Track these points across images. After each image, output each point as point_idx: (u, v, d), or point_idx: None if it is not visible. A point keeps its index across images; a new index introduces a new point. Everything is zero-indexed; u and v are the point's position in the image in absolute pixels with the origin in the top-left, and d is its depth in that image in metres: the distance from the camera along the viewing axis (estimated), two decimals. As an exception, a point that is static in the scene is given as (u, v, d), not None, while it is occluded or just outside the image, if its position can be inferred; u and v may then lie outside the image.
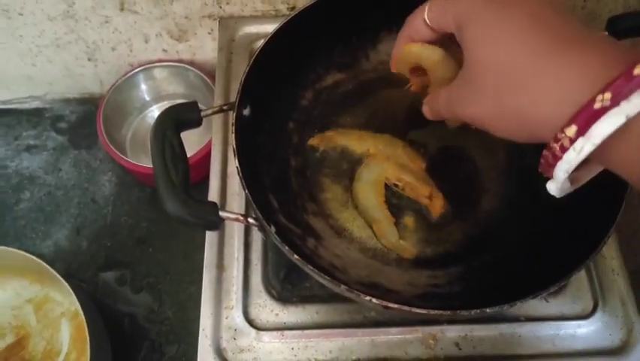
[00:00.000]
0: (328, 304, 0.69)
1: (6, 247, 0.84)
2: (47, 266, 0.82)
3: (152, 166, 0.57)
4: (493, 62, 0.39)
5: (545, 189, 0.67)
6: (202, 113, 0.61)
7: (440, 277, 0.65)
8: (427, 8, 0.48)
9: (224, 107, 0.64)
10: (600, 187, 0.63)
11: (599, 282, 0.70)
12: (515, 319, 0.68)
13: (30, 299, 0.92)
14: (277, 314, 0.69)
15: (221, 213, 0.56)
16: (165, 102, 1.06)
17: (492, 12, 0.41)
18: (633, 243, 0.83)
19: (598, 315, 0.68)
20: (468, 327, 0.68)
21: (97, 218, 1.00)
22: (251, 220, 0.57)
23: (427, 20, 0.48)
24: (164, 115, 0.59)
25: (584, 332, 0.68)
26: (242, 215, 0.57)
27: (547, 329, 0.68)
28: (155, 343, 0.91)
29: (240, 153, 0.61)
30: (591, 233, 0.59)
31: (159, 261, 0.96)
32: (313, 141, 0.73)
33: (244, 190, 0.58)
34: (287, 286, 0.71)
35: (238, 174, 0.59)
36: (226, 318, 0.69)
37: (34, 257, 0.83)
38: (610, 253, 0.72)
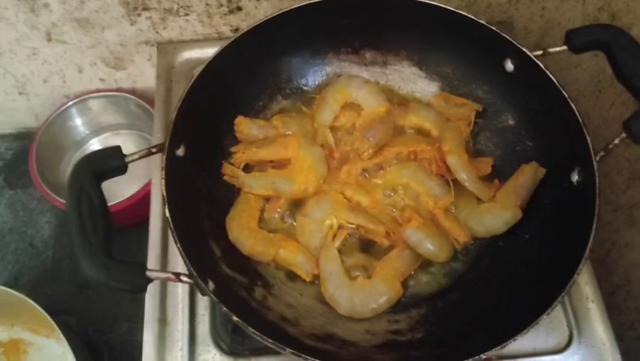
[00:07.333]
0: (283, 357, 0.63)
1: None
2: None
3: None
4: None
5: (514, 227, 0.63)
6: (127, 159, 0.55)
7: (401, 321, 0.59)
8: None
9: (153, 150, 0.57)
10: (569, 219, 0.59)
11: (573, 311, 0.66)
12: (486, 359, 0.63)
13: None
14: (228, 371, 0.63)
15: (149, 274, 0.49)
16: (107, 134, 0.99)
17: None
18: (607, 262, 0.78)
19: (574, 348, 0.64)
20: (436, 370, 0.62)
21: (36, 264, 0.92)
22: (185, 278, 0.51)
23: None
24: (80, 164, 0.52)
25: (559, 367, 0.63)
26: (173, 273, 0.51)
27: (521, 368, 0.63)
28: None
29: (172, 201, 0.55)
30: (562, 266, 0.54)
31: (105, 307, 0.89)
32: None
33: (176, 244, 0.52)
34: (237, 338, 0.64)
35: (169, 225, 0.53)
36: (171, 379, 0.62)
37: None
38: (583, 279, 0.68)
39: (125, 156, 0.55)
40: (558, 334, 0.64)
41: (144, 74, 0.91)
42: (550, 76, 0.61)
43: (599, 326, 0.65)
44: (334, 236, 0.63)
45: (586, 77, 0.87)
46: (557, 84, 0.61)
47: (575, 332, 0.64)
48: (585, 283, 0.67)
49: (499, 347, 0.48)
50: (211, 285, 0.52)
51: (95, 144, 0.98)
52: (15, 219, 0.95)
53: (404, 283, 0.61)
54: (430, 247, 0.61)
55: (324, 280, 0.60)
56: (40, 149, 0.89)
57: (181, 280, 0.51)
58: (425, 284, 0.63)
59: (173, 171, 0.57)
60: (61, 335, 0.74)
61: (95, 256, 0.48)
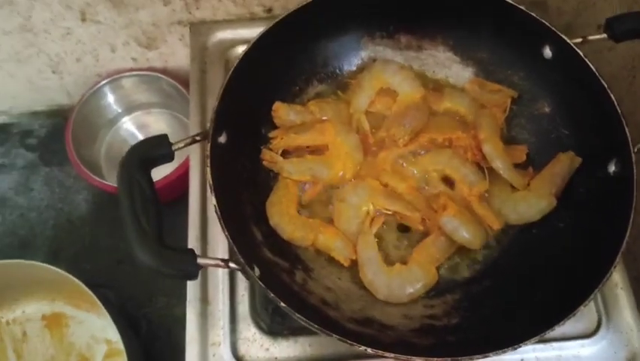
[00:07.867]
0: (321, 336, 0.65)
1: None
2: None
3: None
4: None
5: (550, 213, 0.63)
6: (174, 147, 0.56)
7: (436, 306, 0.61)
8: None
9: (197, 138, 0.58)
10: (605, 210, 0.60)
11: (602, 297, 0.67)
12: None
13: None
14: (267, 349, 0.65)
15: (200, 261, 0.51)
16: (138, 112, 1.00)
17: None
18: (634, 249, 0.79)
19: (602, 332, 0.65)
20: (468, 352, 0.65)
21: (74, 240, 0.95)
22: (233, 265, 0.53)
23: None
24: (131, 154, 0.54)
25: (588, 351, 0.65)
26: (222, 260, 0.53)
27: (550, 351, 0.65)
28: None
29: (218, 188, 0.56)
30: (597, 256, 0.56)
31: (142, 282, 0.92)
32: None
33: (224, 232, 0.54)
34: (277, 318, 0.67)
35: (216, 212, 0.55)
36: (213, 356, 0.65)
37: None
38: (613, 266, 0.69)
39: (171, 144, 0.56)
40: (587, 319, 0.66)
41: (176, 54, 0.92)
42: (590, 65, 0.61)
43: (627, 312, 0.66)
44: (371, 222, 0.64)
45: (619, 60, 0.85)
46: (597, 74, 0.61)
47: (603, 318, 0.66)
48: (615, 271, 0.68)
49: (538, 337, 0.50)
50: (257, 271, 0.54)
51: (127, 122, 1.00)
52: (52, 196, 0.98)
53: (438, 269, 0.63)
54: (465, 234, 0.62)
55: (363, 266, 0.61)
56: (75, 127, 0.91)
57: (229, 267, 0.53)
58: (459, 270, 0.64)
59: (217, 159, 0.58)
60: (103, 309, 0.77)
61: (148, 244, 0.49)
